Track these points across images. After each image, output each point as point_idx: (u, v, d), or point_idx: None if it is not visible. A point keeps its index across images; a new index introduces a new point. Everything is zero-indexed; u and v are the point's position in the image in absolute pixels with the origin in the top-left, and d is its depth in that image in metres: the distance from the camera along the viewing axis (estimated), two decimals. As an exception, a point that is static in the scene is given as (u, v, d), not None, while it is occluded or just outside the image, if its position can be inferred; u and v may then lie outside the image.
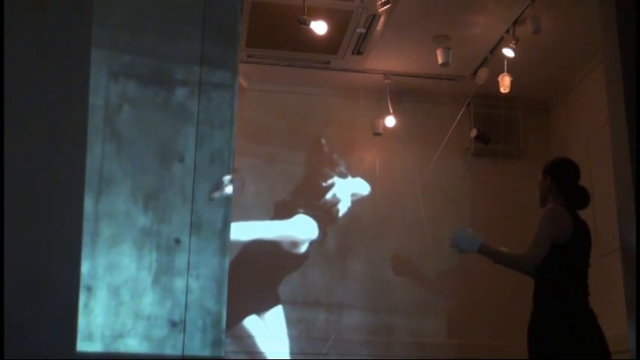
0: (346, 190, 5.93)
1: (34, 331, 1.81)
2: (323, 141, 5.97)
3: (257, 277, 5.69)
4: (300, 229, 5.80)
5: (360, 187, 5.92)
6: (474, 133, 5.92)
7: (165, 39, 2.01)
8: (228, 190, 1.95)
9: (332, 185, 5.91)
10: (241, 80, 5.39)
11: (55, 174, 1.92)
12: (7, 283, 1.81)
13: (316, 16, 4.60)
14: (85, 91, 1.93)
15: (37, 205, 1.90)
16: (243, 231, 5.67)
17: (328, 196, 5.88)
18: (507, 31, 5.05)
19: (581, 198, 3.98)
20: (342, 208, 5.89)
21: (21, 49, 1.95)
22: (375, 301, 5.72)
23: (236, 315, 5.54)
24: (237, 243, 5.60)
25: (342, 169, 5.94)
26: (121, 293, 1.84)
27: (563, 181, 3.93)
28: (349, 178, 5.94)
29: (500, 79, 5.18)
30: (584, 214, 5.50)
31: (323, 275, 5.73)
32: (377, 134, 5.80)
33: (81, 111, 1.92)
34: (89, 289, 1.83)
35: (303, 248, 5.77)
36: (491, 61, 5.40)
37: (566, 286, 3.83)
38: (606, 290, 5.04)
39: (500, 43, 5.16)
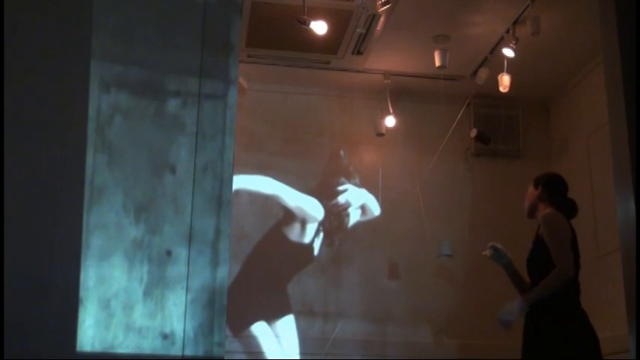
0: (356, 201, 5.94)
1: (34, 331, 1.81)
2: (342, 153, 5.99)
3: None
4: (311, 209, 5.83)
5: (371, 205, 5.93)
6: (474, 133, 5.91)
7: (157, 49, 2.00)
8: (222, 200, 1.93)
9: (343, 191, 5.91)
10: (241, 80, 5.38)
11: (56, 175, 1.92)
12: (7, 282, 1.81)
13: (316, 16, 4.59)
14: (85, 97, 1.92)
15: (37, 205, 1.90)
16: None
17: (338, 201, 5.89)
18: (507, 31, 5.05)
19: (571, 209, 4.19)
20: (352, 217, 5.91)
21: (20, 56, 1.95)
22: (370, 309, 5.72)
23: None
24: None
25: (357, 181, 5.94)
26: (111, 305, 1.82)
27: (555, 193, 4.19)
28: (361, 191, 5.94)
29: (499, 78, 5.18)
30: (585, 214, 5.51)
31: (317, 283, 5.73)
32: (380, 134, 5.80)
33: (81, 114, 1.92)
34: (80, 301, 1.82)
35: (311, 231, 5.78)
36: (491, 61, 5.40)
37: (572, 287, 3.96)
38: (606, 290, 5.04)
39: (500, 43, 5.16)
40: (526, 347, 4.06)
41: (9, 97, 1.90)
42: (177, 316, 1.85)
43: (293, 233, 5.79)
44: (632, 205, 2.80)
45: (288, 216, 5.81)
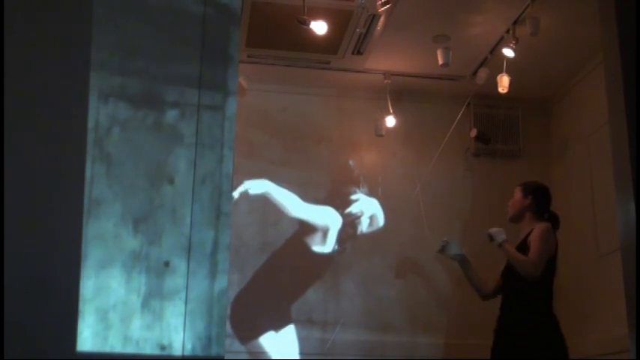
0: (367, 210, 5.93)
1: (34, 331, 1.81)
2: (351, 163, 5.98)
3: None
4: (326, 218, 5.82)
5: (379, 214, 5.92)
6: (474, 133, 5.91)
7: (156, 61, 1.99)
8: (220, 212, 1.93)
9: (356, 201, 5.90)
10: (241, 80, 5.38)
11: (56, 173, 1.92)
12: (7, 282, 1.81)
13: (316, 16, 4.59)
14: (85, 108, 1.92)
15: (37, 204, 1.91)
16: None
17: (351, 211, 5.89)
18: (507, 31, 5.04)
19: (556, 221, 4.38)
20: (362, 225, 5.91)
21: (19, 66, 1.95)
22: (369, 316, 5.72)
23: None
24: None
25: (366, 190, 5.93)
26: (109, 316, 1.82)
27: (543, 204, 4.38)
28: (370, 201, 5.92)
29: (498, 79, 5.17)
30: (585, 214, 5.51)
31: (316, 292, 5.73)
32: (379, 135, 5.79)
33: (81, 124, 1.92)
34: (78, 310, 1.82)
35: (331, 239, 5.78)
36: (492, 61, 5.40)
37: (546, 294, 4.21)
38: (606, 290, 5.04)
39: (500, 43, 5.16)
40: (495, 348, 4.20)
41: (9, 106, 1.91)
42: (175, 327, 1.84)
43: (308, 243, 5.78)
44: (632, 206, 2.80)
45: (304, 226, 5.80)
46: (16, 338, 1.79)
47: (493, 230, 4.25)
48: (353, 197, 5.88)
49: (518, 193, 4.44)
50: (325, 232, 5.78)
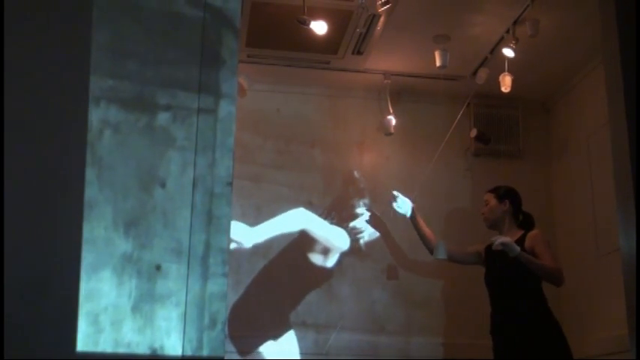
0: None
1: (34, 331, 1.81)
2: (356, 174, 5.97)
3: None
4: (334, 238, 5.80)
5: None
6: (473, 133, 5.91)
7: (148, 63, 1.99)
8: (212, 215, 1.92)
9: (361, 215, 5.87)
10: (241, 80, 5.37)
11: (57, 173, 1.93)
12: (7, 282, 1.81)
13: (316, 16, 4.59)
14: (84, 111, 1.92)
15: (37, 204, 1.91)
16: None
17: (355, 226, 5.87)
18: (507, 31, 5.04)
19: (531, 222, 4.51)
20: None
21: (19, 69, 1.95)
22: (363, 319, 5.71)
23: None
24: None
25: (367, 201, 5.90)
26: (100, 320, 1.82)
27: (519, 207, 4.53)
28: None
29: (501, 78, 5.17)
30: (585, 214, 5.51)
31: (311, 295, 5.72)
32: (389, 134, 5.77)
33: (82, 113, 1.92)
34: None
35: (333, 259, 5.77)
36: (491, 61, 5.39)
37: (541, 295, 4.32)
38: (606, 290, 5.04)
39: (500, 43, 5.15)
40: (498, 349, 4.22)
41: (9, 106, 1.91)
42: (166, 330, 1.84)
43: (304, 249, 5.78)
44: (632, 206, 2.81)
45: (311, 240, 5.78)
46: (16, 338, 1.79)
47: (507, 240, 4.21)
48: (359, 211, 5.86)
49: (492, 200, 4.52)
50: (328, 249, 5.77)
